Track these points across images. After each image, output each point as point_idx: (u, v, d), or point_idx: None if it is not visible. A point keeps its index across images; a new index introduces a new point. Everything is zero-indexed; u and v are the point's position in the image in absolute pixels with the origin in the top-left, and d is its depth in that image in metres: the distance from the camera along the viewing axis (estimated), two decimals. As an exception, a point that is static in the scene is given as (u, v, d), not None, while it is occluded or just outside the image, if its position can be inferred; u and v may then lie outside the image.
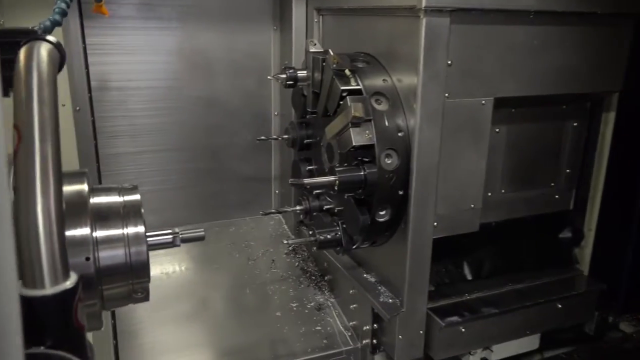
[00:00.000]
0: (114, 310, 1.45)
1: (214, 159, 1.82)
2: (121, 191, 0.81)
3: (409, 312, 1.30)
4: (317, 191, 1.49)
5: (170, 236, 0.85)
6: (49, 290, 0.54)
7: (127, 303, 0.80)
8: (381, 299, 1.34)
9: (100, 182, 1.66)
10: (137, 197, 0.80)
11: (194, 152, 1.79)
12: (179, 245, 0.85)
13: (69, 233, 0.70)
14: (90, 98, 1.58)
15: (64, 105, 1.54)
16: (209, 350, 1.40)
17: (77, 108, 1.54)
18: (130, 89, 1.66)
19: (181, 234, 0.86)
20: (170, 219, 1.81)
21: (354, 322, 1.50)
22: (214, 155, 1.82)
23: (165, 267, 1.66)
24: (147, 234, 0.81)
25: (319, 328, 1.50)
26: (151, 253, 0.79)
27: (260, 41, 1.76)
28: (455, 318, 1.34)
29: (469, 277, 1.50)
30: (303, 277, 1.68)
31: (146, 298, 0.80)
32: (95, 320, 0.75)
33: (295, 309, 1.56)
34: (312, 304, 1.58)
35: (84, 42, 1.53)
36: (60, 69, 0.73)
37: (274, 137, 1.65)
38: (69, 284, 0.56)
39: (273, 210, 1.53)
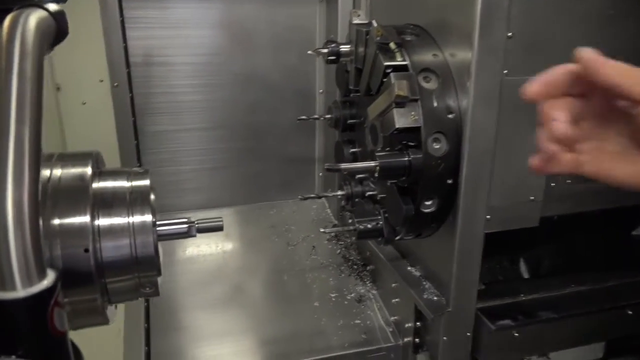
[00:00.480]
0: (147, 293, 1.41)
1: (255, 138, 1.75)
2: (130, 175, 0.73)
3: (456, 312, 1.18)
4: (360, 176, 1.38)
5: (185, 226, 0.77)
6: (20, 292, 0.47)
7: (135, 297, 0.73)
8: (425, 296, 1.23)
9: (139, 161, 1.63)
10: (146, 182, 0.72)
11: (235, 130, 1.72)
12: (194, 236, 0.78)
13: (66, 221, 0.64)
14: (129, 74, 1.54)
15: (102, 80, 1.50)
16: (244, 338, 1.34)
17: (115, 84, 1.50)
18: (169, 65, 1.60)
19: (197, 224, 0.78)
20: (210, 199, 1.76)
21: (395, 318, 1.40)
22: (255, 134, 1.74)
23: (202, 248, 1.62)
24: (158, 222, 0.74)
25: (359, 321, 1.41)
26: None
27: (305, 13, 1.65)
28: (507, 321, 1.21)
29: (525, 276, 1.36)
30: (344, 265, 1.59)
31: (155, 293, 0.73)
32: (98, 316, 0.68)
33: (334, 299, 1.48)
34: (352, 295, 1.49)
35: (121, 15, 1.48)
36: (59, 41, 0.66)
37: (316, 116, 1.55)
38: (45, 284, 0.49)
39: (312, 195, 1.43)
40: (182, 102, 1.65)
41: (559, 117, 0.51)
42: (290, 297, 1.48)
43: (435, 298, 1.22)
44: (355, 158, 1.43)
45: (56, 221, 0.64)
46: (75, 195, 0.66)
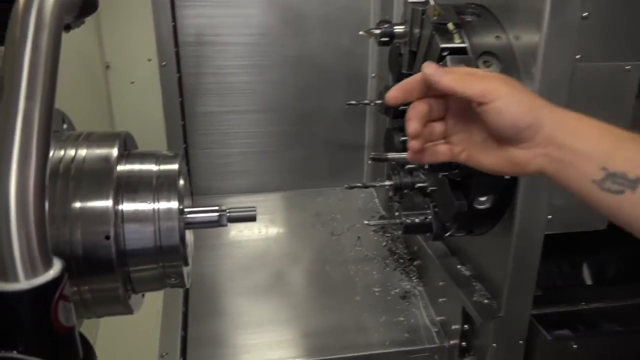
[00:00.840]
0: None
1: (304, 122, 1.69)
2: (159, 159, 0.69)
3: (508, 317, 1.09)
4: (410, 166, 1.30)
5: (216, 214, 0.72)
6: (22, 283, 0.43)
7: (160, 287, 0.70)
8: (475, 298, 1.14)
9: (185, 142, 1.61)
10: (174, 166, 0.68)
11: (283, 114, 1.68)
12: (225, 225, 0.73)
13: (87, 204, 0.60)
14: (177, 53, 1.51)
15: (150, 59, 1.49)
16: (283, 329, 1.30)
17: (163, 63, 1.48)
18: (218, 45, 1.56)
19: (229, 212, 0.73)
20: (257, 183, 1.72)
21: (442, 318, 1.32)
22: (304, 118, 1.69)
23: (245, 233, 1.59)
24: (187, 210, 0.70)
25: (402, 319, 1.34)
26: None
27: (359, -8, 1.57)
28: (566, 331, 1.10)
29: (588, 282, 1.24)
30: (390, 259, 1.52)
31: (181, 284, 0.69)
32: (120, 306, 0.65)
33: (377, 294, 1.41)
34: (396, 290, 1.42)
35: (171, -8, 1.45)
36: (87, 13, 0.62)
37: (367, 101, 1.47)
38: (50, 274, 0.45)
39: (359, 184, 1.36)
40: (230, 84, 1.61)
41: (410, 116, 0.62)
42: (332, 289, 1.42)
43: (485, 301, 1.14)
44: (405, 147, 1.35)
45: (77, 204, 0.60)
46: (98, 178, 0.62)
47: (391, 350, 1.27)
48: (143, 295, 0.75)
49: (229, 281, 1.43)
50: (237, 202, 1.70)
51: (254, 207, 0.75)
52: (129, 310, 0.67)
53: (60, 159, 0.63)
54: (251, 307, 1.35)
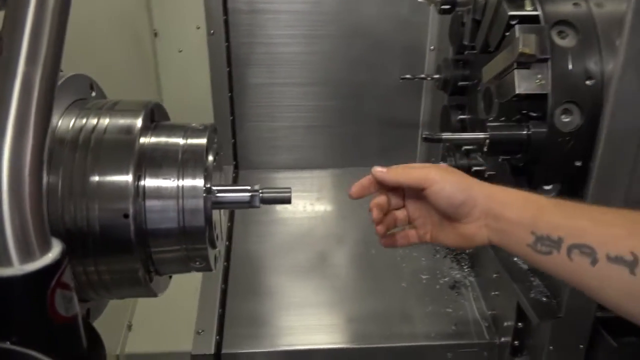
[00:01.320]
0: (228, 251, 1.37)
1: (356, 97, 1.61)
2: (187, 132, 0.64)
3: (568, 319, 0.98)
4: (467, 147, 1.20)
5: (247, 194, 0.66)
6: (16, 268, 0.39)
7: (186, 270, 0.65)
8: (532, 295, 1.05)
9: (232, 114, 1.56)
10: (202, 140, 0.62)
11: (334, 87, 1.59)
12: (258, 206, 0.67)
13: (106, 179, 0.56)
14: (226, 21, 1.45)
15: (198, 27, 1.44)
16: (324, 313, 1.24)
17: (212, 31, 1.43)
18: (269, 12, 1.49)
19: (262, 193, 0.67)
20: (304, 159, 1.66)
21: (493, 312, 1.23)
22: (356, 93, 1.60)
23: (289, 210, 1.54)
24: (216, 188, 0.64)
25: (450, 310, 1.26)
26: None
27: (421, -44, 1.45)
28: (634, 338, 0.99)
29: (664, 285, 1.11)
30: (440, 245, 1.42)
31: (207, 268, 0.64)
32: (140, 288, 0.61)
33: (425, 281, 1.33)
34: (446, 279, 1.33)
35: (220, -43, 1.39)
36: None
37: (423, 76, 1.37)
38: (49, 257, 0.40)
39: (410, 165, 1.27)
40: (280, 54, 1.54)
41: (371, 206, 0.73)
42: (376, 274, 1.35)
43: (544, 299, 1.04)
44: (463, 126, 1.25)
45: (95, 178, 0.56)
46: (119, 150, 0.58)
47: (437, 343, 1.19)
48: (170, 276, 0.71)
49: (271, 259, 1.39)
50: (283, 178, 1.65)
51: (289, 188, 0.69)
52: (151, 293, 0.63)
53: (81, 129, 0.59)
54: (292, 287, 1.30)
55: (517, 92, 0.85)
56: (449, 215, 0.66)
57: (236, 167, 1.63)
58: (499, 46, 0.94)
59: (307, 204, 1.57)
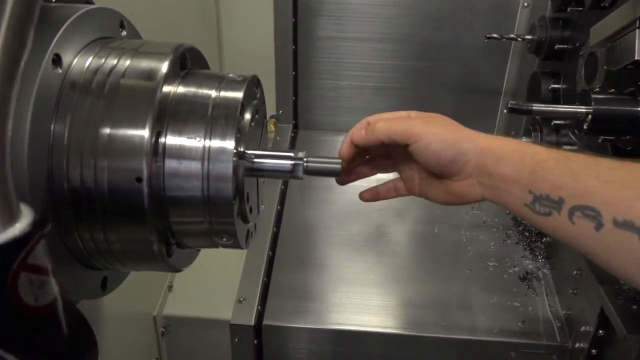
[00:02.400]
0: (279, 216, 1.28)
1: (432, 57, 1.44)
2: (223, 82, 0.53)
3: (664, 334, 0.83)
4: (557, 122, 1.03)
5: (289, 162, 0.56)
6: (-32, 241, 0.30)
7: (212, 246, 0.56)
8: (620, 301, 0.89)
9: (295, 70, 1.45)
10: (237, 94, 0.52)
11: (409, 45, 1.44)
12: (300, 178, 0.56)
13: (118, 133, 0.47)
14: (293, -35, 1.33)
15: (264, -28, 1.32)
16: (376, 293, 1.14)
17: (277, -23, 1.30)
18: (340, -42, 1.35)
19: (307, 162, 0.56)
20: (369, 123, 1.53)
21: (568, 312, 1.08)
22: (433, 53, 1.44)
23: (348, 178, 1.42)
24: (251, 152, 0.54)
25: (517, 304, 1.12)
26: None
27: None
28: None
29: None
30: (513, 229, 1.28)
31: (235, 245, 0.55)
32: (156, 262, 0.52)
33: (491, 269, 1.19)
34: (515, 268, 1.19)
35: None
36: None
37: (512, 36, 1.18)
38: (12, 231, 0.32)
39: (488, 137, 1.12)
40: (351, 5, 1.40)
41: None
42: (438, 256, 1.23)
43: (634, 307, 0.88)
44: (555, 97, 1.07)
45: (106, 130, 0.47)
46: (136, 99, 0.48)
47: (499, 339, 1.07)
48: (198, 250, 0.62)
49: (324, 229, 1.29)
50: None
51: (339, 160, 0.58)
52: (171, 269, 0.54)
53: (96, 70, 0.49)
54: (344, 262, 1.21)
55: (636, 57, 0.68)
56: (434, 173, 0.60)
57: (295, 127, 1.53)
58: (615, 1, 0.76)
59: (367, 172, 1.45)
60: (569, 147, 0.99)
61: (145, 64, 0.50)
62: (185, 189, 0.49)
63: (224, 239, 0.53)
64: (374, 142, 0.60)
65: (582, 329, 1.00)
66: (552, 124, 1.03)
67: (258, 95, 0.58)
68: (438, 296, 1.13)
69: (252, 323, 1.04)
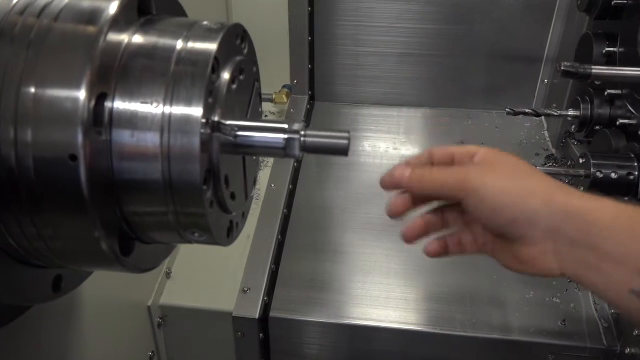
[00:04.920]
0: (291, 197, 1.16)
1: (465, 20, 1.29)
2: (192, 31, 0.41)
3: None
4: (612, 92, 0.88)
5: (281, 137, 0.43)
6: None
7: (183, 241, 0.44)
8: (686, 305, 0.75)
9: (311, 34, 1.32)
10: (210, 46, 0.39)
11: (437, 7, 1.29)
12: (296, 157, 0.44)
13: (46, 94, 0.35)
14: None
15: None
16: (396, 285, 1.03)
17: None
18: None
19: (305, 137, 0.44)
20: (391, 94, 1.41)
21: (617, 313, 0.95)
22: (465, 15, 1.29)
23: (371, 153, 1.30)
24: (233, 124, 0.42)
25: (557, 301, 0.99)
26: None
27: None
28: None
29: None
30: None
31: (210, 241, 0.43)
32: (105, 260, 0.41)
33: (528, 260, 1.06)
34: (556, 259, 1.05)
35: None
36: None
37: (560, -7, 1.03)
38: None
39: (527, 110, 0.97)
40: (374, -39, 1.26)
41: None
42: (466, 242, 1.10)
43: (703, 312, 0.75)
44: (610, 62, 0.92)
45: (30, 90, 0.35)
46: (70, 49, 0.36)
47: (536, 340, 0.94)
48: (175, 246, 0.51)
49: (339, 212, 1.17)
50: (366, 115, 1.40)
51: (347, 133, 0.45)
52: (130, 269, 0.43)
53: (23, 11, 0.37)
54: (361, 249, 1.09)
55: None
56: (494, 233, 0.50)
57: (312, 98, 1.41)
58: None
59: (391, 147, 1.33)
60: (626, 121, 0.84)
61: (87, 3, 0.38)
62: (139, 171, 0.37)
63: (196, 234, 0.42)
64: (414, 190, 0.52)
65: (635, 332, 0.87)
66: (607, 94, 0.88)
67: (246, 52, 0.46)
68: (466, 289, 1.01)
69: (257, 316, 0.95)
